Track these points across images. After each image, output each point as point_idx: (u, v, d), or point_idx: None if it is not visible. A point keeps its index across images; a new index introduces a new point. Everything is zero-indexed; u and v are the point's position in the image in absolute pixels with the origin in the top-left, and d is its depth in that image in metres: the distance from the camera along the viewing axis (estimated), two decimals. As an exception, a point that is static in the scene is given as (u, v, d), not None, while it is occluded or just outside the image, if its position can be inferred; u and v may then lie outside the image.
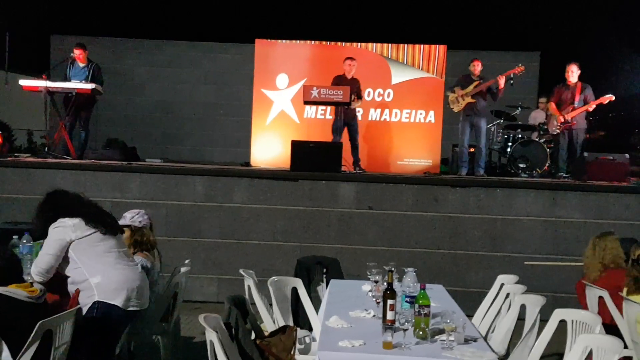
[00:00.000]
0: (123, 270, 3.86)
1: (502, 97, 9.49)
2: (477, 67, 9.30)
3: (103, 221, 3.89)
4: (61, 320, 3.45)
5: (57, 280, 3.89)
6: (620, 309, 4.34)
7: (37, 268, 3.79)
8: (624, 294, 4.32)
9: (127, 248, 4.14)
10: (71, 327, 3.60)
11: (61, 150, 9.14)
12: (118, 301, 3.78)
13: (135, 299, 3.88)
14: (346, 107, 9.09)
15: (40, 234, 3.93)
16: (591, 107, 8.99)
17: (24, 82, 8.97)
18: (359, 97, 9.36)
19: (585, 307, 4.66)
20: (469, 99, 9.17)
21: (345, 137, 9.30)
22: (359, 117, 10.15)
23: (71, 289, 3.84)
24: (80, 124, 9.27)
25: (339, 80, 9.24)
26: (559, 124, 9.11)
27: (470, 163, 9.53)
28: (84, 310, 3.77)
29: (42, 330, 3.25)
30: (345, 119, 9.20)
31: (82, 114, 9.22)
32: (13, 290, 3.52)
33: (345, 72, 9.32)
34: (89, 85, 8.86)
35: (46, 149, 9.07)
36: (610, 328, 4.18)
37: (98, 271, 3.78)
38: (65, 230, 3.77)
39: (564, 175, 9.15)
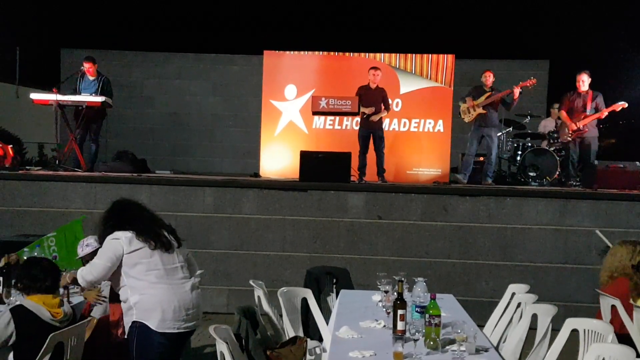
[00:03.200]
0: (163, 289, 3.70)
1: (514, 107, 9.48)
2: (489, 78, 9.29)
3: (155, 236, 3.80)
4: (72, 333, 3.47)
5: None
6: (631, 317, 4.31)
7: (87, 275, 3.73)
8: (632, 301, 4.29)
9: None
10: (83, 340, 3.62)
11: (72, 162, 9.21)
12: (152, 322, 3.63)
13: (172, 320, 3.68)
14: (369, 117, 9.04)
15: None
16: (603, 114, 8.93)
17: (35, 96, 9.04)
18: (387, 107, 9.22)
19: (600, 317, 4.63)
20: (480, 110, 9.16)
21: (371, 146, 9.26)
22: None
23: (122, 307, 3.80)
24: (91, 136, 9.31)
25: (364, 91, 9.12)
26: (570, 132, 9.06)
27: (478, 172, 9.51)
28: (126, 331, 3.75)
29: (53, 342, 3.27)
30: (369, 128, 9.14)
31: (92, 127, 9.26)
32: (39, 308, 3.55)
33: (370, 82, 9.17)
34: (99, 98, 8.92)
35: (57, 161, 9.11)
36: (622, 337, 4.14)
37: (138, 290, 3.69)
38: (119, 242, 3.71)
39: (575, 183, 9.12)
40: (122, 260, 3.70)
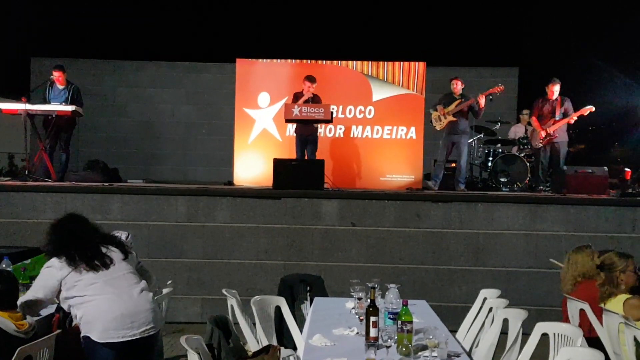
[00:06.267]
0: (103, 299, 3.64)
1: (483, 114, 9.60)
2: (457, 86, 9.42)
3: (88, 260, 3.72)
4: (41, 346, 3.42)
5: None
6: (600, 320, 4.38)
7: (24, 302, 3.73)
8: (602, 304, 4.36)
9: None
10: (52, 353, 3.57)
11: (42, 172, 9.08)
12: (94, 334, 3.59)
13: (115, 329, 3.60)
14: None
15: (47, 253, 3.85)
16: (572, 119, 9.10)
17: (3, 105, 8.91)
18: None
19: (566, 321, 4.69)
20: (450, 118, 9.27)
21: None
22: (341, 135, 10.23)
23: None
24: (61, 146, 9.19)
25: (297, 98, 9.34)
26: (541, 138, 9.21)
27: (450, 179, 9.62)
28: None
29: (21, 356, 3.21)
30: (305, 135, 9.30)
31: (62, 136, 9.15)
32: (3, 321, 3.49)
33: (304, 92, 9.38)
34: (69, 107, 8.82)
35: (26, 172, 8.97)
36: (591, 340, 4.21)
37: (80, 305, 3.66)
38: (54, 271, 3.69)
39: (545, 188, 9.25)
40: (60, 285, 3.68)
